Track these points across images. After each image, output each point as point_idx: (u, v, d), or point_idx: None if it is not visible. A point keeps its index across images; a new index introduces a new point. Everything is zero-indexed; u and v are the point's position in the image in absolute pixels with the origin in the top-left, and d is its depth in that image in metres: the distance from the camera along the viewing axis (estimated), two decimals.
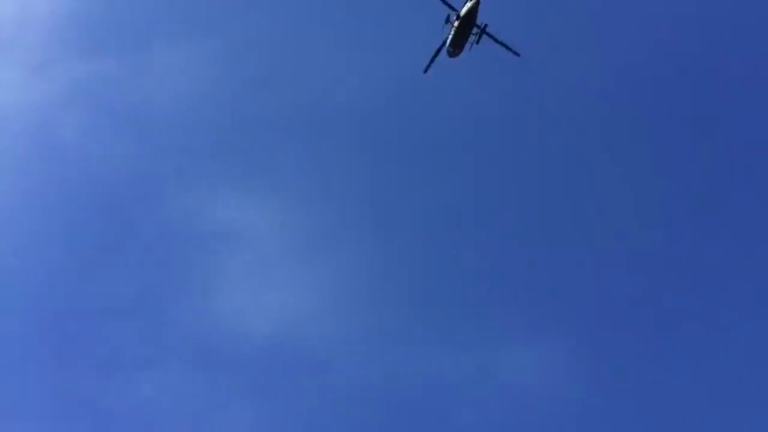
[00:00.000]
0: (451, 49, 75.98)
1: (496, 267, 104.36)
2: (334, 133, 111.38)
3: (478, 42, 74.71)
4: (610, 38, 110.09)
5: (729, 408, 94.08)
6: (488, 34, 75.58)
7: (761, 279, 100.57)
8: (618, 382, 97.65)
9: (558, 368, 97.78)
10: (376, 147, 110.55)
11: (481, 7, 74.03)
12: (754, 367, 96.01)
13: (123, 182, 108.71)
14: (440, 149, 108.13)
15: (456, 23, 74.29)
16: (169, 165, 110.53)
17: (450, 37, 75.36)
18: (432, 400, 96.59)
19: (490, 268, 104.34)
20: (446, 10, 74.24)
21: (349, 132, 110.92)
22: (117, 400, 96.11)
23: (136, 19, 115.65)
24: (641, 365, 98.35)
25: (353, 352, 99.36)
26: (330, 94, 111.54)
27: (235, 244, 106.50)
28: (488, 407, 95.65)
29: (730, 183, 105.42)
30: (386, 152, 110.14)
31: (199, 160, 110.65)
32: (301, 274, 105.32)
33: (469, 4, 73.44)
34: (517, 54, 76.60)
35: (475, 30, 74.69)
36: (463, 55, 76.76)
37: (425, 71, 76.95)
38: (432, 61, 76.34)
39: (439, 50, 75.96)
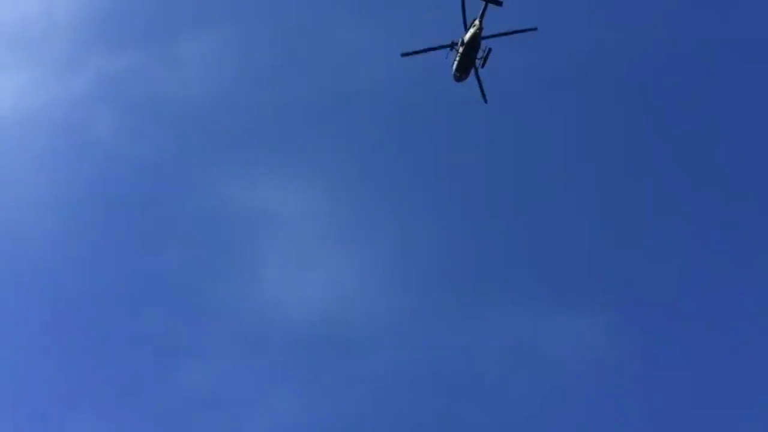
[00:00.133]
0: (458, 74, 77.09)
1: (537, 244, 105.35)
2: (373, 114, 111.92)
3: (483, 66, 75.78)
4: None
5: None
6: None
7: None
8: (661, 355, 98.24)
9: (599, 340, 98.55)
10: (417, 128, 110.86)
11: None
12: None
13: (162, 173, 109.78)
14: (481, 130, 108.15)
15: (461, 49, 75.54)
16: (206, 153, 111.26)
17: (456, 62, 76.54)
18: (478, 376, 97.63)
19: (531, 245, 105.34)
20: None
21: (388, 113, 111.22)
22: (166, 387, 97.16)
23: (161, 11, 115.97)
24: (686, 338, 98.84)
25: (398, 333, 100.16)
26: (367, 76, 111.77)
27: (278, 229, 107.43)
28: (535, 380, 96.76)
29: None
30: (427, 132, 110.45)
31: (235, 146, 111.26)
32: (346, 257, 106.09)
33: (471, 30, 74.53)
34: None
35: (479, 54, 75.68)
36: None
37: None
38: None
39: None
